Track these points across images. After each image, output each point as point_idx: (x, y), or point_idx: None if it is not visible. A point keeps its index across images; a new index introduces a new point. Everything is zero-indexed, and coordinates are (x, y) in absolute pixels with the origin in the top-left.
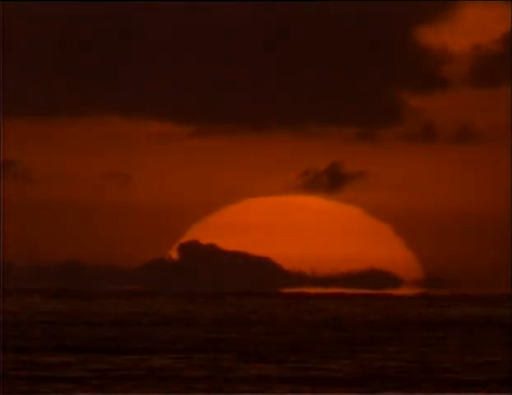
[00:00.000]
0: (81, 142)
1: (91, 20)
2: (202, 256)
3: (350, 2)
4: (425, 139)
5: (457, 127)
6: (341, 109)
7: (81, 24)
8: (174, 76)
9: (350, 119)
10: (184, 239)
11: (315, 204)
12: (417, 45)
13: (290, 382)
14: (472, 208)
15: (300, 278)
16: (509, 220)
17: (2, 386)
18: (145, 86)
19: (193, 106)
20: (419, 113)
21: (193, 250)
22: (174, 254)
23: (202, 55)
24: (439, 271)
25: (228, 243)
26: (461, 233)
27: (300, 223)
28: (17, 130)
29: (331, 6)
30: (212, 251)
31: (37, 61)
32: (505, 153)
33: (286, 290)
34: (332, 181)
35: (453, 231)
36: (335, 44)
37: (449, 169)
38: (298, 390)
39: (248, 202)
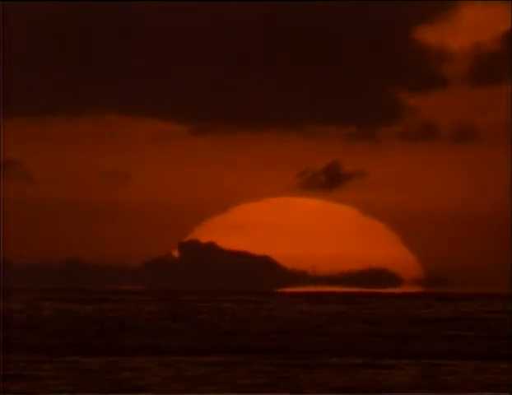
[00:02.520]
0: (81, 142)
1: (91, 20)
2: (203, 255)
3: (350, 2)
4: (424, 138)
5: (456, 127)
6: (340, 109)
7: (81, 24)
8: (174, 75)
9: (349, 119)
10: (185, 238)
11: (314, 203)
12: (417, 45)
13: None
14: (472, 207)
15: (302, 277)
16: (510, 220)
17: (2, 386)
18: (144, 86)
19: (192, 105)
20: (418, 112)
21: (194, 250)
22: (175, 254)
23: (202, 55)
24: (439, 270)
25: (229, 242)
26: (461, 232)
27: (300, 222)
28: (17, 130)
29: (331, 7)
30: (213, 250)
31: (37, 61)
32: (505, 152)
33: (287, 290)
34: (331, 180)
35: (453, 231)
36: (335, 43)
37: (448, 168)
38: None
39: (248, 203)
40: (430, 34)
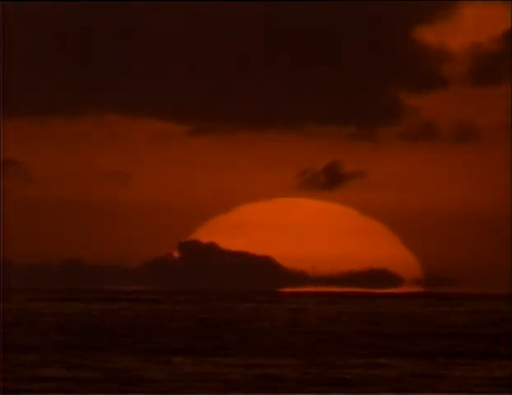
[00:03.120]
0: (81, 142)
1: (91, 20)
2: (204, 255)
3: (350, 2)
4: (424, 138)
5: (456, 127)
6: (340, 109)
7: (81, 24)
8: (174, 75)
9: (349, 119)
10: (185, 238)
11: (314, 203)
12: (417, 45)
13: None
14: (472, 207)
15: (302, 277)
16: (510, 220)
17: (2, 386)
18: (144, 86)
19: (192, 105)
20: (418, 112)
21: (194, 250)
22: (175, 254)
23: (202, 55)
24: (439, 270)
25: (229, 243)
26: (461, 232)
27: (300, 223)
28: (17, 130)
29: (331, 7)
30: (213, 250)
31: (37, 61)
32: (505, 152)
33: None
34: (331, 180)
35: (453, 231)
36: (335, 43)
37: (448, 168)
38: None
39: (249, 204)
40: (430, 34)
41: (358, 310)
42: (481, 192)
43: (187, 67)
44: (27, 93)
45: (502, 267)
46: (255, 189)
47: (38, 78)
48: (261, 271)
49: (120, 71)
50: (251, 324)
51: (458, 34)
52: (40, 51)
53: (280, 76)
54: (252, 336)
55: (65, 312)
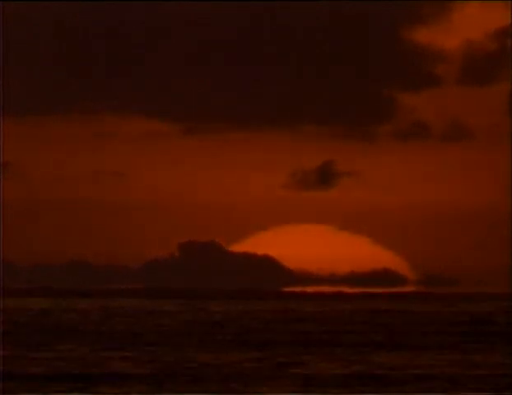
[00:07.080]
0: (78, 142)
1: (86, 20)
2: (205, 255)
3: (350, 2)
4: (418, 137)
5: (450, 125)
6: (334, 108)
7: (76, 24)
8: (168, 75)
9: (344, 118)
10: (186, 238)
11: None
12: (411, 44)
13: None
14: (467, 206)
15: (304, 277)
16: (509, 219)
17: (2, 386)
18: (139, 86)
19: (185, 105)
20: (412, 111)
21: (195, 249)
22: (176, 253)
23: (197, 54)
24: (437, 270)
25: (230, 243)
26: (455, 231)
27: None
28: (17, 130)
29: (330, 6)
30: (214, 250)
31: (33, 61)
32: (499, 151)
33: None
34: (324, 179)
35: (448, 229)
36: (329, 43)
37: (442, 166)
38: None
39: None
40: (425, 34)
41: (360, 309)
42: (476, 191)
43: (181, 66)
44: (23, 93)
45: (503, 267)
46: (252, 189)
47: (34, 78)
48: (263, 271)
49: (115, 71)
50: (255, 324)
51: (451, 34)
52: (37, 51)
53: (275, 76)
54: (255, 335)
55: (66, 311)
